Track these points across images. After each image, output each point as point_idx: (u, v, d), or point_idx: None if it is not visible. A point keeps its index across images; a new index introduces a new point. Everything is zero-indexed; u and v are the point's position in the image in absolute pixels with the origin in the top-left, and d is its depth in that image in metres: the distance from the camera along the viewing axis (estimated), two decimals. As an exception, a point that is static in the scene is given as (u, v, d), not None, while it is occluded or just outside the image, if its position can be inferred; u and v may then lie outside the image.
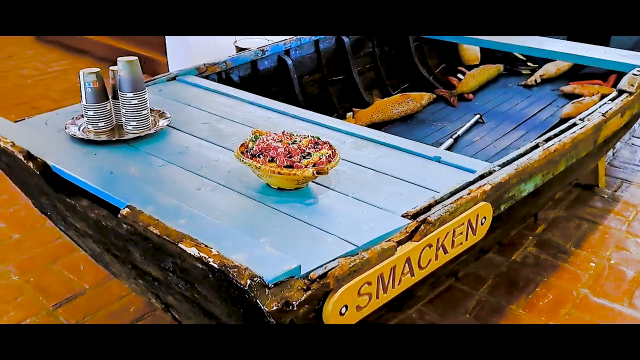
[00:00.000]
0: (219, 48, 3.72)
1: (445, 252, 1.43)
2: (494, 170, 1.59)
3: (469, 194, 1.46)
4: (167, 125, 1.88)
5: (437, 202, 1.43)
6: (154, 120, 1.91)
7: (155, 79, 2.33)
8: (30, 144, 1.68)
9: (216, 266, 1.10)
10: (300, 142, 1.51)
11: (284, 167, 1.40)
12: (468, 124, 2.95)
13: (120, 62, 1.78)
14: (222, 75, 2.52)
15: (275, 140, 1.48)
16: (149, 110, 1.86)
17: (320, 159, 1.44)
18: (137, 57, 1.80)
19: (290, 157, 1.43)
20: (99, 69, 1.82)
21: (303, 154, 1.45)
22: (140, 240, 1.33)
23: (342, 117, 3.03)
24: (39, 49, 5.47)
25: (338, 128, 1.90)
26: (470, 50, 3.64)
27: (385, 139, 1.81)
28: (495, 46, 2.80)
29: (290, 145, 1.46)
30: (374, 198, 1.46)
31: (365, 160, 1.67)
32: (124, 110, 1.82)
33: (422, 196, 1.47)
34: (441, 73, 3.55)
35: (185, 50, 3.96)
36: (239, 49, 3.45)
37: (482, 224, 1.51)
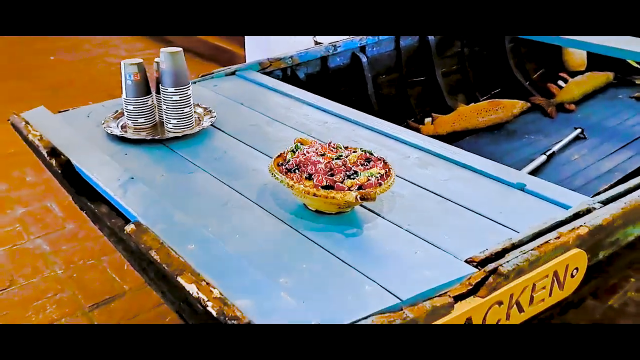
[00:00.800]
0: (299, 43, 3.51)
1: (521, 310, 1.11)
2: (594, 209, 1.24)
3: (558, 237, 1.14)
4: (210, 125, 1.68)
5: (514, 246, 1.12)
6: (198, 118, 1.71)
7: (213, 73, 2.14)
8: (61, 138, 1.54)
9: (214, 313, 0.87)
10: (347, 156, 1.24)
11: (322, 187, 1.15)
12: (566, 139, 2.55)
13: (162, 53, 1.59)
14: (287, 71, 2.29)
15: (317, 153, 1.22)
16: (193, 108, 1.67)
17: (369, 180, 1.17)
18: (181, 49, 1.61)
19: (332, 175, 1.17)
20: (142, 60, 1.64)
21: (348, 173, 1.18)
22: (148, 261, 1.13)
23: (420, 122, 2.72)
24: (128, 38, 5.53)
25: (404, 139, 1.61)
26: (576, 54, 3.18)
27: (458, 156, 1.50)
28: (606, 51, 2.36)
29: (334, 161, 1.20)
30: (434, 234, 1.17)
31: (430, 182, 1.38)
32: (164, 107, 1.63)
33: (495, 236, 1.16)
34: (539, 79, 3.13)
35: (264, 45, 3.78)
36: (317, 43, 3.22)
37: (572, 276, 1.18)
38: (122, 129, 1.66)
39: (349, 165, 1.21)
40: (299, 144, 1.31)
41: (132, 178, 1.34)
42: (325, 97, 1.92)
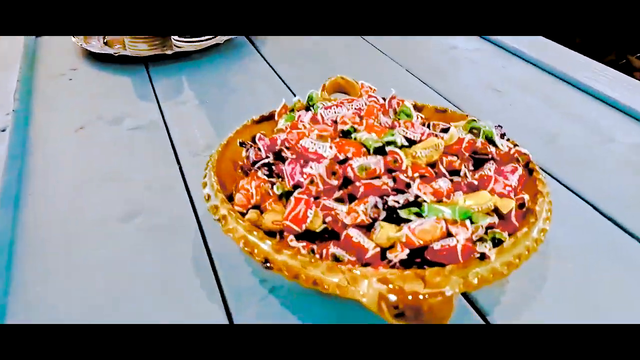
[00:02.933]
0: None
1: None
2: None
3: None
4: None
5: None
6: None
7: None
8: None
9: None
10: (420, 155, 0.45)
11: (298, 238, 0.39)
12: None
13: None
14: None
15: (328, 137, 0.45)
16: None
17: (467, 231, 0.38)
18: None
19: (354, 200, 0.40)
20: None
21: (407, 199, 0.40)
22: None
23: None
24: None
25: (610, 99, 0.74)
26: None
27: None
28: None
29: (371, 162, 0.42)
30: None
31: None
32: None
33: None
34: None
35: None
36: None
37: None
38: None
39: (410, 176, 0.42)
40: (316, 96, 0.55)
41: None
42: None
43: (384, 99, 0.56)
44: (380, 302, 0.37)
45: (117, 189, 0.62)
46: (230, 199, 0.47)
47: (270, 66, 0.92)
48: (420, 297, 0.37)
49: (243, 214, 0.45)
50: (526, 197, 0.46)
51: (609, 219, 0.57)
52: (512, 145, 0.51)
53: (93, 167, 0.67)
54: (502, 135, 0.52)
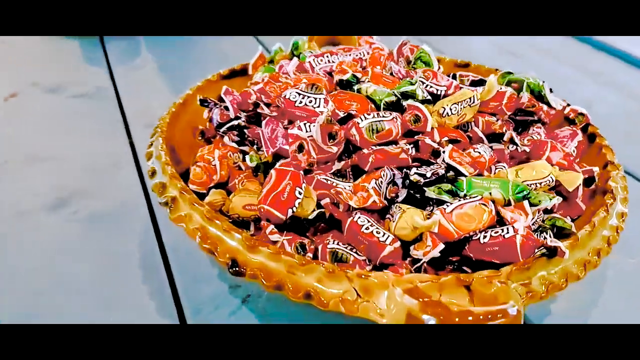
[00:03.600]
0: None
1: None
2: None
3: None
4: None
5: None
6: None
7: None
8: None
9: None
10: (449, 112, 0.32)
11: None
12: None
13: None
14: None
15: (310, 88, 0.32)
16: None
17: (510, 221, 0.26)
18: None
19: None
20: None
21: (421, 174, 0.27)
22: None
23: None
24: None
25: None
26: None
27: None
28: None
29: (384, 121, 0.30)
30: None
31: None
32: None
33: None
34: None
35: None
36: None
37: None
38: None
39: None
40: (302, 44, 0.41)
41: None
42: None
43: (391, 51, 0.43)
44: (409, 322, 0.24)
45: (47, 170, 0.49)
46: (187, 176, 0.34)
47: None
48: (470, 318, 0.24)
49: (202, 196, 0.32)
50: (595, 169, 0.34)
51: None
52: (564, 103, 0.39)
53: (18, 144, 0.52)
54: (550, 90, 0.40)
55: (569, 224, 0.31)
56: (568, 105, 0.39)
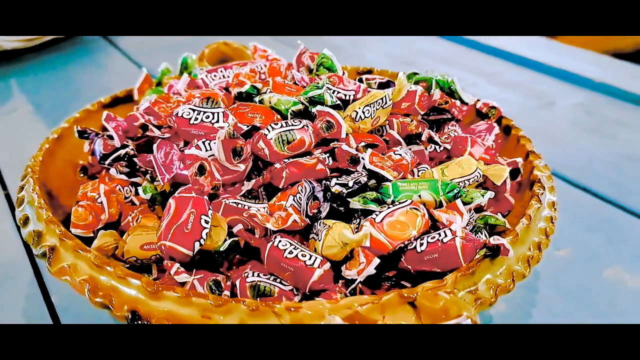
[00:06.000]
0: None
1: None
2: None
3: None
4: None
5: None
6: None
7: None
8: None
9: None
10: (362, 116, 0.29)
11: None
12: None
13: None
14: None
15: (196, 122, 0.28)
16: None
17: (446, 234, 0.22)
18: None
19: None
20: None
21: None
22: None
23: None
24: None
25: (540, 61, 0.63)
26: None
27: None
28: None
29: (294, 130, 0.27)
30: None
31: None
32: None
33: None
34: None
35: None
36: None
37: None
38: None
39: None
40: (192, 62, 0.37)
41: None
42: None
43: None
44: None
45: None
46: (69, 222, 0.28)
47: (131, 59, 0.72)
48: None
49: (88, 241, 0.26)
50: (519, 160, 0.32)
51: (570, 183, 0.45)
52: (475, 98, 0.37)
53: None
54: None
55: (501, 220, 0.29)
56: (478, 100, 0.37)
